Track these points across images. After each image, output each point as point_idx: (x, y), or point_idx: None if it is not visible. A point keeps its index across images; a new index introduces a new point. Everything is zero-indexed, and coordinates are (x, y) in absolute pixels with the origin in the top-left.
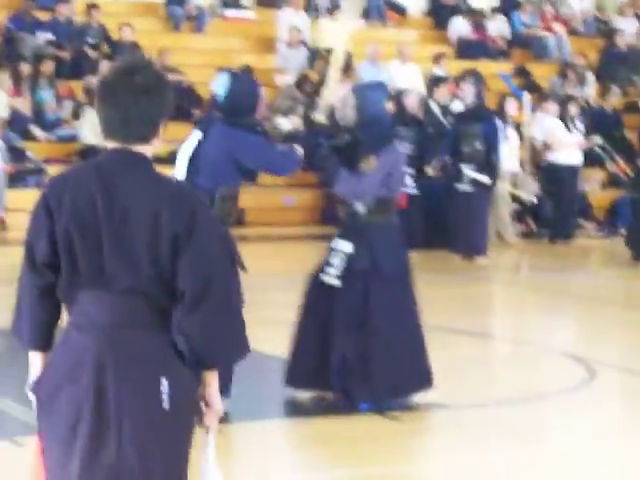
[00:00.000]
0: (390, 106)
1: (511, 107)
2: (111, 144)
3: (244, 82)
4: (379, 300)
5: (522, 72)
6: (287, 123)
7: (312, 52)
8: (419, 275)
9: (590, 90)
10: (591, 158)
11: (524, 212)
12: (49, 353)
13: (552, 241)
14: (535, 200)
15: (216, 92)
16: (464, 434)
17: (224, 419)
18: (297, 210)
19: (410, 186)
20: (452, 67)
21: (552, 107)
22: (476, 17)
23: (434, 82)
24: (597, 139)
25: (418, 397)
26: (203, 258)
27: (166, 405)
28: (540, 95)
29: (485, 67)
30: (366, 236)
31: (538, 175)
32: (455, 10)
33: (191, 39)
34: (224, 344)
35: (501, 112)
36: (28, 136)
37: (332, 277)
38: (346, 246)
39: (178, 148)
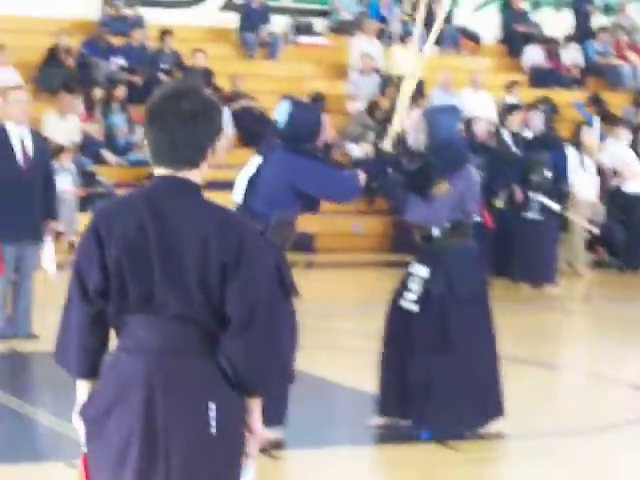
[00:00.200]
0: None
1: (587, 136)
2: (159, 170)
3: (305, 109)
4: (457, 324)
5: (596, 101)
6: (357, 150)
7: (384, 79)
8: None
9: None
10: None
11: (595, 241)
12: (96, 380)
13: (621, 270)
14: (597, 231)
15: (277, 119)
16: (531, 464)
17: (278, 446)
18: (365, 237)
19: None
20: (525, 95)
21: (623, 133)
22: (550, 45)
23: (507, 110)
24: None
25: (487, 426)
26: (250, 285)
27: (213, 430)
28: (612, 120)
29: (559, 96)
30: (442, 260)
31: (606, 202)
32: (529, 38)
33: (264, 65)
34: (266, 371)
35: (577, 141)
36: (99, 160)
37: (410, 302)
38: (423, 271)
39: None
